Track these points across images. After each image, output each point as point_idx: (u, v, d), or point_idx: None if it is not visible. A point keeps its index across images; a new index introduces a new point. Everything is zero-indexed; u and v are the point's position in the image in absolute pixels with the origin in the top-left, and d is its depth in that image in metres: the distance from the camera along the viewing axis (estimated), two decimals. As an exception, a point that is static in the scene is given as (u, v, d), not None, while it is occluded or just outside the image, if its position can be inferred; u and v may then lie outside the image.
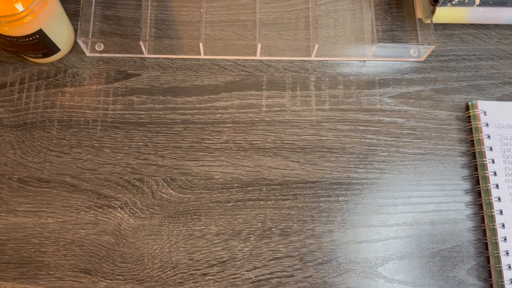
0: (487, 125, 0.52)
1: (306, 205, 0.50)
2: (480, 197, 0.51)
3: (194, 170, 0.51)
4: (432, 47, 0.53)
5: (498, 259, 0.48)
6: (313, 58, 0.55)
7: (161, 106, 0.53)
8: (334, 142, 0.52)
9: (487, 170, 0.50)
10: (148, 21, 0.55)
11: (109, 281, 0.47)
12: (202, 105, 0.53)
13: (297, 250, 0.49)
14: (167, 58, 0.54)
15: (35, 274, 0.47)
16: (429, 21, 0.54)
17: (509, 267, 0.47)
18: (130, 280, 0.47)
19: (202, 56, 0.54)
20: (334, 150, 0.52)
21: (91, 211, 0.49)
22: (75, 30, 0.54)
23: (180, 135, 0.52)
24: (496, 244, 0.48)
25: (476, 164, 0.52)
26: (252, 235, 0.49)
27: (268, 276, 0.48)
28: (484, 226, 0.50)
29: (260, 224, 0.49)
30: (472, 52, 0.56)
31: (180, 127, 0.52)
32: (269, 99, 0.53)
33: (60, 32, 0.51)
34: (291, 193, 0.50)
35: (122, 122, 0.52)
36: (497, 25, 0.58)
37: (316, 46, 0.53)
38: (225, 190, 0.50)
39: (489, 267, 0.49)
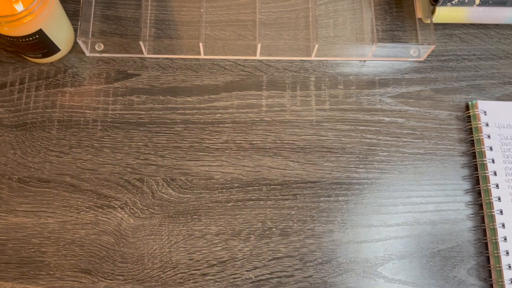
0: (487, 125, 0.52)
1: (306, 205, 0.50)
2: (480, 197, 0.51)
3: (194, 170, 0.51)
4: (432, 47, 0.53)
5: (498, 259, 0.48)
6: (313, 58, 0.55)
7: (161, 106, 0.53)
8: (334, 142, 0.52)
9: (487, 170, 0.50)
10: (148, 21, 0.55)
11: (109, 281, 0.47)
12: (202, 105, 0.53)
13: (297, 250, 0.49)
14: (167, 58, 0.54)
15: (35, 274, 0.47)
16: (429, 21, 0.54)
17: (509, 267, 0.47)
18: (130, 280, 0.47)
19: (202, 56, 0.54)
20: (334, 150, 0.52)
21: (91, 211, 0.49)
22: (75, 30, 0.54)
23: (180, 135, 0.52)
24: (496, 244, 0.48)
25: (476, 164, 0.52)
26: (252, 235, 0.49)
27: (268, 276, 0.48)
28: (484, 226, 0.50)
29: (260, 224, 0.49)
30: (472, 52, 0.56)
31: (180, 127, 0.52)
32: (269, 99, 0.53)
33: (60, 32, 0.51)
34: (291, 193, 0.50)
35: (122, 122, 0.52)
36: (497, 25, 0.57)
37: (316, 46, 0.53)
38: (225, 190, 0.50)
39: (489, 267, 0.49)
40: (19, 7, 0.44)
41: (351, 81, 0.54)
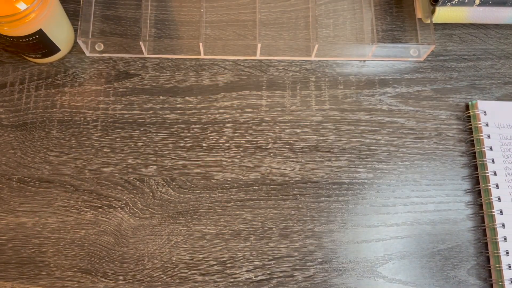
0: (487, 125, 0.52)
1: (306, 205, 0.50)
2: (480, 197, 0.51)
3: (194, 170, 0.51)
4: (432, 47, 0.53)
5: (498, 259, 0.48)
6: (313, 58, 0.55)
7: (161, 106, 0.53)
8: (334, 142, 0.52)
9: (487, 170, 0.50)
10: (148, 21, 0.55)
11: (109, 281, 0.47)
12: (202, 105, 0.53)
13: (297, 250, 0.49)
14: (167, 58, 0.54)
15: (35, 274, 0.47)
16: (429, 21, 0.54)
17: (509, 266, 0.47)
18: (130, 280, 0.47)
19: (202, 56, 0.54)
20: (334, 150, 0.52)
21: (91, 211, 0.49)
22: (75, 30, 0.54)
23: (180, 135, 0.52)
24: (496, 244, 0.48)
25: (476, 164, 0.52)
26: (252, 235, 0.49)
27: (268, 276, 0.48)
28: (484, 226, 0.50)
29: (260, 224, 0.49)
30: (472, 52, 0.56)
31: (180, 127, 0.52)
32: (269, 99, 0.53)
33: (60, 32, 0.51)
34: (291, 193, 0.50)
35: (122, 122, 0.52)
36: (497, 25, 0.58)
37: (316, 46, 0.53)
38: (225, 190, 0.50)
39: (489, 267, 0.49)
40: (19, 7, 0.44)
41: (351, 81, 0.54)
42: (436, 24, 0.57)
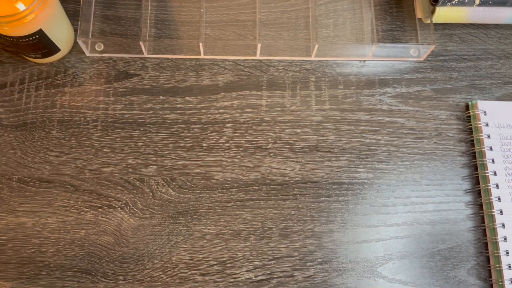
0: (487, 125, 0.52)
1: (306, 205, 0.50)
2: (480, 197, 0.51)
3: (194, 170, 0.51)
4: (432, 47, 0.53)
5: (498, 259, 0.48)
6: (313, 58, 0.55)
7: (161, 106, 0.53)
8: (334, 142, 0.52)
9: (487, 170, 0.50)
10: (148, 21, 0.55)
11: (109, 281, 0.47)
12: (202, 105, 0.53)
13: (297, 250, 0.49)
14: (167, 58, 0.54)
15: (35, 274, 0.47)
16: (429, 21, 0.54)
17: (509, 266, 0.47)
18: (130, 280, 0.47)
19: (202, 56, 0.54)
20: (334, 150, 0.52)
21: (91, 211, 0.49)
22: (75, 30, 0.54)
23: (180, 135, 0.52)
24: (496, 244, 0.48)
25: (476, 164, 0.52)
26: (252, 235, 0.49)
27: (268, 276, 0.48)
28: (484, 226, 0.50)
29: (260, 224, 0.49)
30: (472, 52, 0.56)
31: (180, 127, 0.52)
32: (269, 99, 0.53)
33: (60, 32, 0.51)
34: (291, 193, 0.50)
35: (122, 122, 0.52)
36: (497, 25, 0.58)
37: (316, 46, 0.53)
38: (225, 190, 0.50)
39: (489, 267, 0.49)
40: (20, 7, 0.44)
41: (351, 81, 0.54)
42: (436, 24, 0.57)
